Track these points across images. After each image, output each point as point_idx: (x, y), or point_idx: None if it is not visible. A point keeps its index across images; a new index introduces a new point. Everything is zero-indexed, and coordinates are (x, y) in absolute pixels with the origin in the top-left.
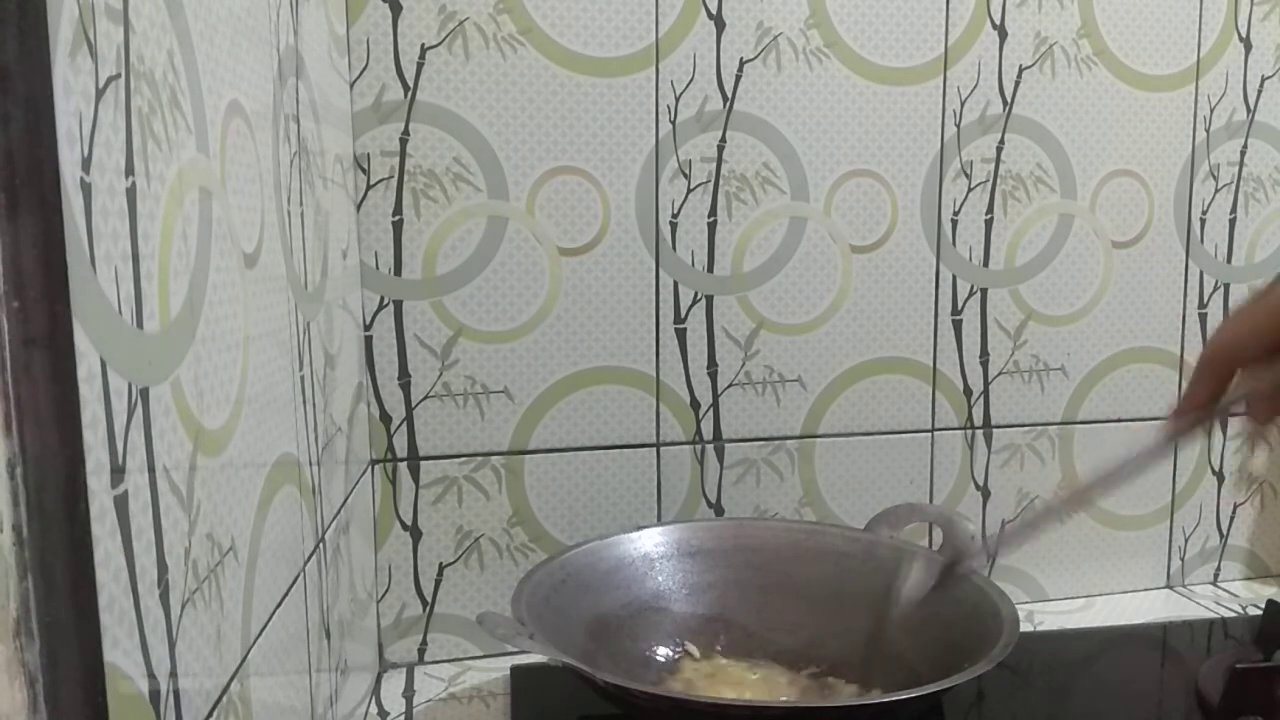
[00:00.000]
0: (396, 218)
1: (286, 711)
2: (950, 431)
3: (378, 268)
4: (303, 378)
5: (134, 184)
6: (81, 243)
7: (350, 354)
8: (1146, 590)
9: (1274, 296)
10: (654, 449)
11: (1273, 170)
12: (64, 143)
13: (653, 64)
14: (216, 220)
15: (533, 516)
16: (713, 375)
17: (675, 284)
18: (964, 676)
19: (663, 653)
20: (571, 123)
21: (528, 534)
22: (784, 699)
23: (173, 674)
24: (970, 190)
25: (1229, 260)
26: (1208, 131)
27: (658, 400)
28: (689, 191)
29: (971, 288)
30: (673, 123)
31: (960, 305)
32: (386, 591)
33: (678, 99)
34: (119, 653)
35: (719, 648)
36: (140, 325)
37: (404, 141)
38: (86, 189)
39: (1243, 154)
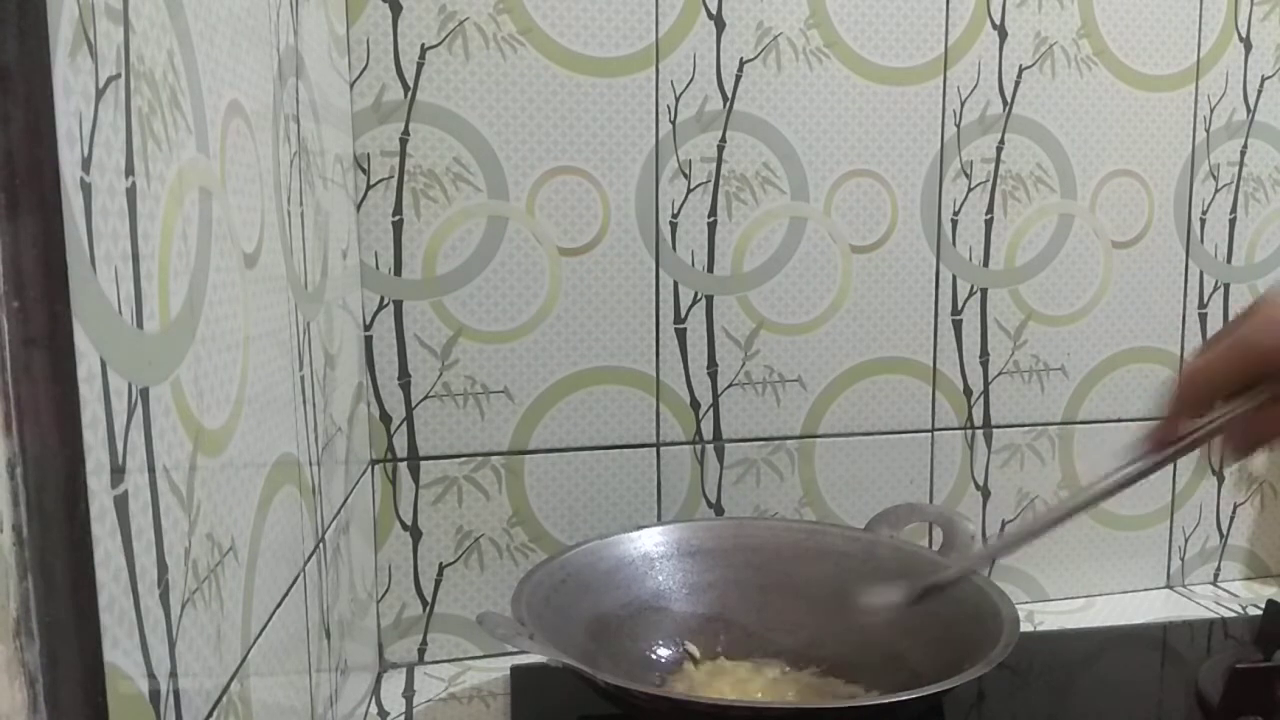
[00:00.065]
0: (396, 218)
1: (286, 711)
2: (950, 431)
3: (378, 268)
4: (303, 378)
5: (134, 184)
6: (81, 243)
7: (350, 354)
8: (1146, 590)
9: (1249, 326)
10: (654, 449)
11: (1273, 170)
12: (64, 143)
13: (653, 64)
14: (216, 220)
15: (533, 516)
16: (713, 375)
17: (675, 284)
18: (964, 677)
19: (663, 653)
20: (571, 123)
21: (528, 534)
22: (784, 699)
23: (173, 674)
24: (970, 190)
25: (1229, 260)
26: (1208, 131)
27: (658, 400)
28: (689, 191)
29: (971, 288)
30: (673, 123)
31: (960, 305)
32: (386, 591)
33: (678, 99)
34: (119, 653)
35: (719, 648)
36: (140, 325)
37: (404, 141)
38: (86, 189)
39: (1243, 154)
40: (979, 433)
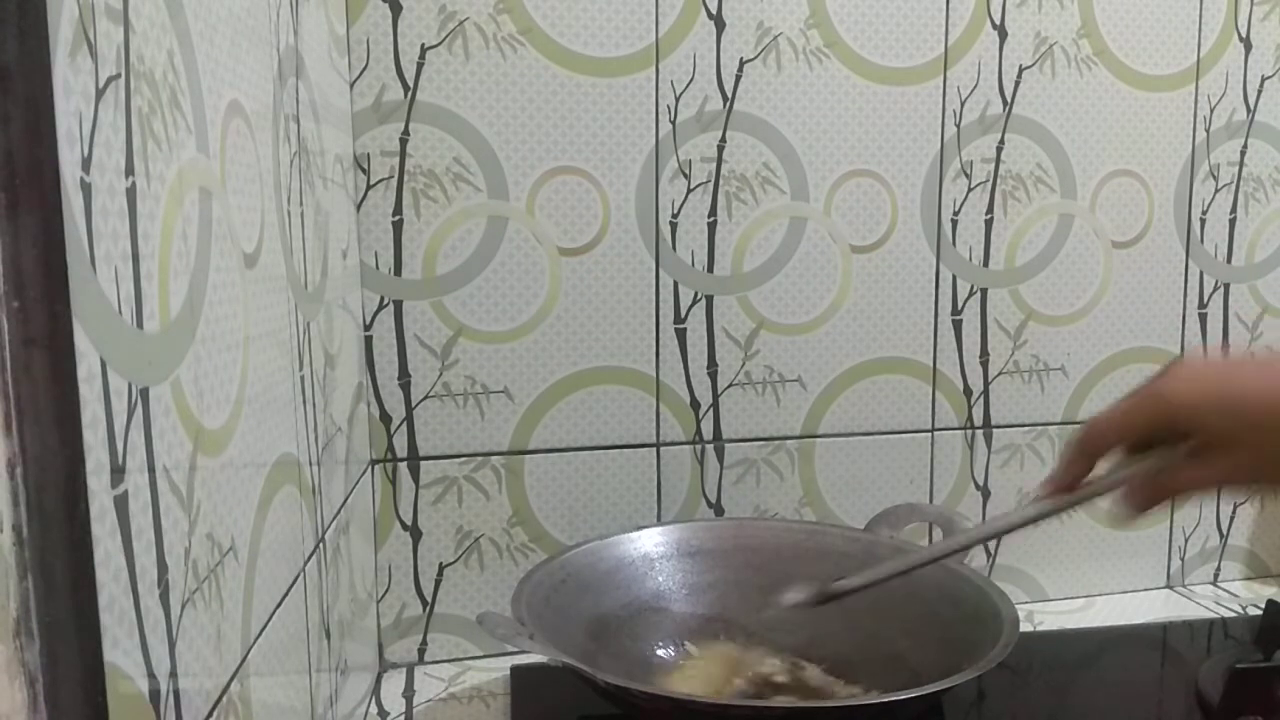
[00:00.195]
0: (396, 218)
1: (286, 711)
2: (950, 431)
3: (378, 268)
4: (303, 378)
5: (134, 184)
6: (81, 243)
7: (350, 354)
8: (1146, 590)
9: (1160, 381)
10: (654, 449)
11: (1273, 170)
12: (64, 143)
13: (653, 64)
14: (216, 220)
15: (533, 516)
16: (713, 375)
17: (675, 284)
18: (964, 676)
19: (663, 653)
20: (571, 123)
21: (528, 534)
22: (781, 699)
23: (173, 674)
24: (970, 190)
25: (1229, 260)
26: (1208, 131)
27: (658, 400)
28: (689, 191)
29: (971, 288)
30: (673, 123)
31: (960, 305)
32: (386, 591)
33: (678, 99)
34: (119, 653)
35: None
36: (140, 325)
37: (404, 141)
38: (86, 189)
39: (1243, 154)
40: (979, 433)
